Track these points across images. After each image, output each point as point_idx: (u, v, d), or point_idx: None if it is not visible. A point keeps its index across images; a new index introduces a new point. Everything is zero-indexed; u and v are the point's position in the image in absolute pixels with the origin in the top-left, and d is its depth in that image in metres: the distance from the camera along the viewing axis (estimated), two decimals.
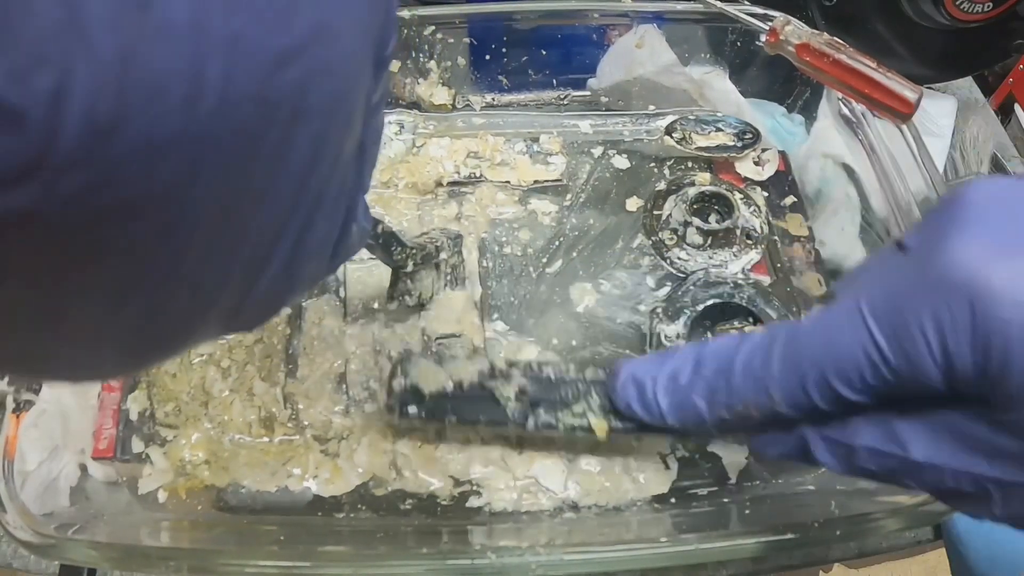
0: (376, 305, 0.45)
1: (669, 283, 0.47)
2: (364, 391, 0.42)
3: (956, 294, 0.22)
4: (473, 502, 0.40)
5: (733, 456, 0.41)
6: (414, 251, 0.41)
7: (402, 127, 0.54)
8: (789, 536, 0.34)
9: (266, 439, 0.41)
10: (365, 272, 0.46)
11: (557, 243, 0.48)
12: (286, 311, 0.45)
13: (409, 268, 0.42)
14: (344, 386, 0.42)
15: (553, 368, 0.36)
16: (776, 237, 0.49)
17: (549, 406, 0.35)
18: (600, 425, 0.34)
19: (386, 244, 0.40)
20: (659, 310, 0.43)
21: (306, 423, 0.41)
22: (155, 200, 0.13)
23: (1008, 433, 0.23)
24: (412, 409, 0.36)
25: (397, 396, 0.37)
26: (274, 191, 0.16)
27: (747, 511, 0.40)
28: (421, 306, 0.43)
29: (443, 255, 0.44)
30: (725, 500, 0.40)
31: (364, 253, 0.47)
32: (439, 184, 0.51)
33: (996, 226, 0.23)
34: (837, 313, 0.25)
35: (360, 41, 0.17)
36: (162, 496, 0.40)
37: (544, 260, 0.47)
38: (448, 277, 0.45)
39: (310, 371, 0.43)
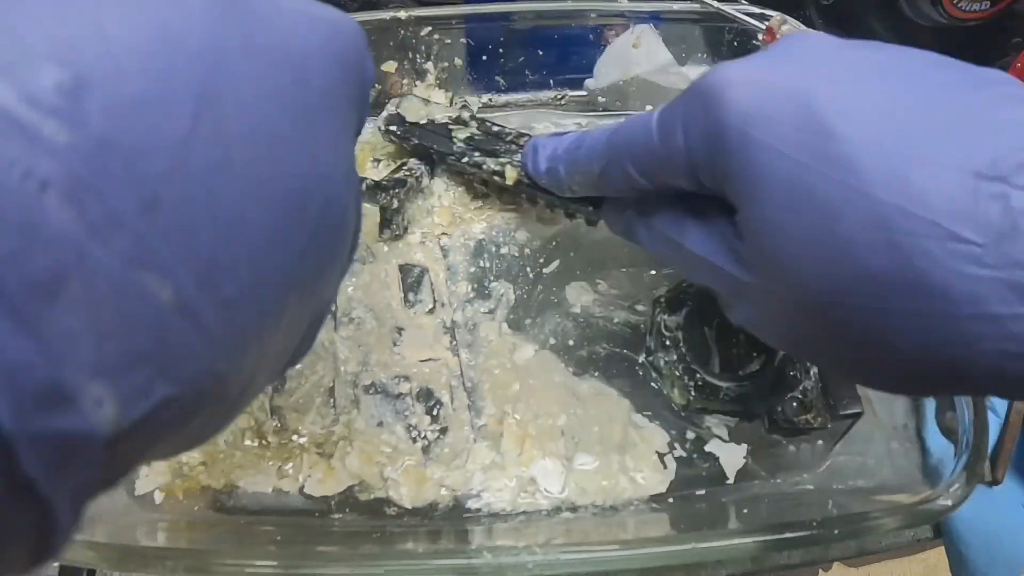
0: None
1: (667, 282, 0.47)
2: (352, 393, 0.42)
3: (700, 94, 0.26)
4: (471, 504, 0.40)
5: (732, 456, 0.41)
6: (396, 191, 0.46)
7: None
8: (788, 535, 0.34)
9: (261, 445, 0.41)
10: (354, 275, 0.46)
11: (554, 243, 0.48)
12: None
13: (395, 206, 0.46)
14: (332, 400, 0.42)
15: (500, 126, 0.46)
16: None
17: (485, 152, 0.44)
18: (511, 175, 0.43)
19: (371, 196, 0.46)
20: (662, 299, 0.43)
21: (297, 432, 0.41)
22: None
23: (741, 235, 0.27)
24: (393, 128, 0.47)
25: (385, 118, 0.48)
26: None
27: (745, 510, 0.40)
28: (406, 229, 0.48)
29: (424, 181, 0.48)
30: (723, 499, 0.40)
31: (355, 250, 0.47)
32: None
33: (762, 56, 0.27)
34: (646, 114, 0.30)
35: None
36: (159, 497, 0.40)
37: (541, 260, 0.47)
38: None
39: (298, 383, 0.43)
